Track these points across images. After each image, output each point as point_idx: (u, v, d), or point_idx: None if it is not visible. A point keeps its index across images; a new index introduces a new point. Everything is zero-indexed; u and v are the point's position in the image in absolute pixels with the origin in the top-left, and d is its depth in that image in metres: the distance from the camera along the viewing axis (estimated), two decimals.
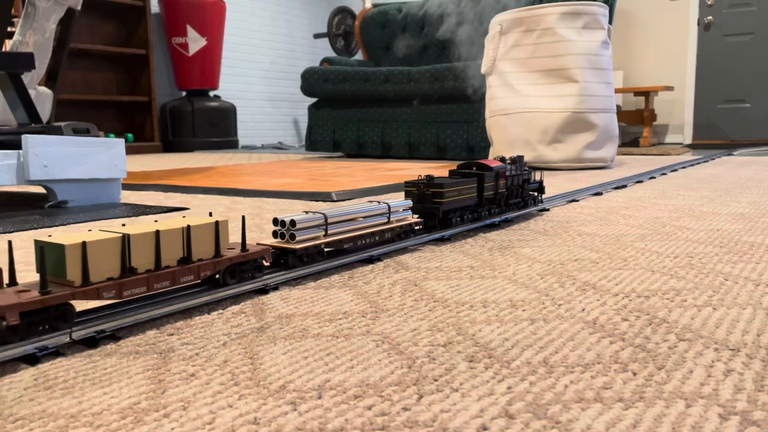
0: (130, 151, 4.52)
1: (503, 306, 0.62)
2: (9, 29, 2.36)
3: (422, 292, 0.68)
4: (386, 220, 0.89)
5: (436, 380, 0.44)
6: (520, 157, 1.20)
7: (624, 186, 1.77)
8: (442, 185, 0.96)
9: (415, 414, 0.39)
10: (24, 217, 1.28)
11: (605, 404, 0.40)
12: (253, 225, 1.14)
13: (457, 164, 2.79)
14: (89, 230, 0.57)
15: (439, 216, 0.98)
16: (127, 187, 1.89)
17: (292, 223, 0.74)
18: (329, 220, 0.79)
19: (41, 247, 0.51)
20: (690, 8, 5.14)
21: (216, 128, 4.97)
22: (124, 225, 0.62)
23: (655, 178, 2.04)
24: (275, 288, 0.69)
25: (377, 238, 0.87)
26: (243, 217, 0.69)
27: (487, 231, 1.07)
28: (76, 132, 1.48)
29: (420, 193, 0.98)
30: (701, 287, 0.68)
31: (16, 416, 0.39)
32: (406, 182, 1.00)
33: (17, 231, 1.12)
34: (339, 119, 3.59)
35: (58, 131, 1.45)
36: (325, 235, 0.79)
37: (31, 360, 0.48)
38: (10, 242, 0.54)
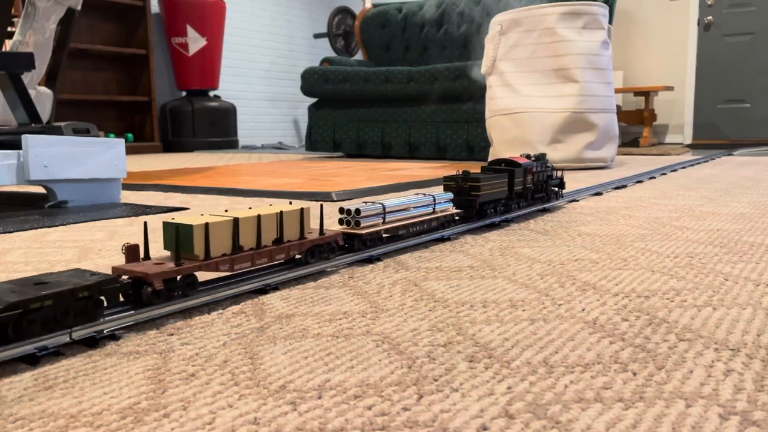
0: (130, 151, 4.52)
1: (503, 306, 0.62)
2: (9, 29, 2.36)
3: (422, 292, 0.68)
4: (432, 211, 0.98)
5: (436, 380, 0.44)
6: (543, 155, 1.28)
7: (624, 186, 1.77)
8: (479, 179, 1.05)
9: (415, 414, 0.39)
10: (24, 217, 1.28)
11: (605, 404, 0.40)
12: None
13: (456, 164, 2.80)
14: (201, 215, 0.66)
15: (476, 207, 1.06)
16: (127, 187, 1.89)
17: (357, 211, 0.83)
18: (387, 210, 0.88)
19: (175, 227, 0.61)
20: (690, 8, 5.14)
21: (216, 128, 4.97)
22: (226, 210, 0.71)
23: (655, 178, 2.04)
24: (275, 288, 0.69)
25: (425, 226, 0.96)
26: (321, 205, 0.78)
27: (487, 231, 1.07)
28: (76, 132, 1.48)
29: (458, 186, 1.07)
30: (701, 287, 0.68)
31: (16, 416, 0.39)
32: (444, 177, 1.08)
33: (17, 231, 1.12)
34: (339, 119, 3.59)
35: (58, 131, 1.45)
36: (384, 223, 0.88)
37: (31, 360, 0.48)
38: (145, 223, 0.62)
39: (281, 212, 0.71)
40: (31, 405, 0.41)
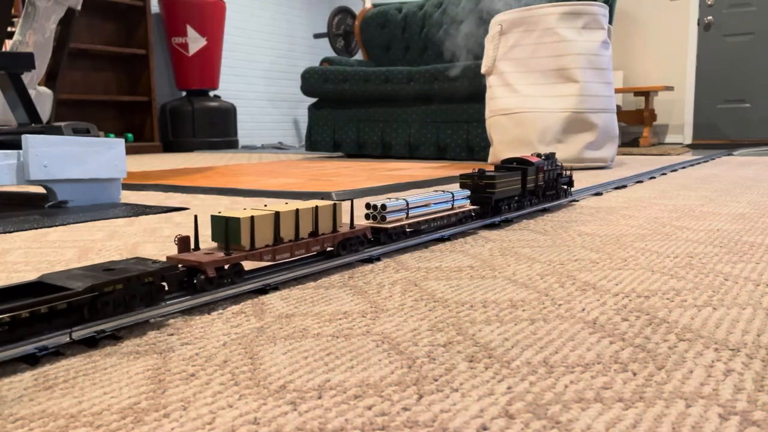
0: (130, 151, 4.52)
1: (503, 306, 0.62)
2: (9, 29, 2.36)
3: (422, 292, 0.68)
4: (450, 207, 1.03)
5: (436, 380, 0.44)
6: (552, 154, 1.32)
7: (624, 186, 1.77)
8: (494, 177, 1.09)
9: (415, 414, 0.39)
10: (24, 217, 1.28)
11: (605, 404, 0.40)
12: None
13: (456, 164, 2.79)
14: (244, 209, 0.72)
15: (491, 204, 1.11)
16: (127, 187, 1.89)
17: (383, 206, 0.88)
18: (410, 206, 0.93)
19: (225, 220, 0.66)
20: (690, 8, 5.14)
21: (216, 128, 4.97)
22: (266, 205, 0.75)
23: (655, 178, 2.04)
24: (275, 288, 0.69)
25: (445, 221, 1.00)
26: (351, 201, 0.81)
27: (487, 231, 1.07)
28: (76, 132, 1.48)
29: (474, 184, 1.11)
30: (701, 287, 0.68)
31: (16, 416, 0.39)
32: (461, 175, 1.13)
33: (17, 231, 1.12)
34: (339, 119, 3.59)
35: (58, 131, 1.45)
36: (407, 218, 0.92)
37: (31, 360, 0.48)
38: (195, 216, 0.67)
39: (317, 207, 0.76)
40: (31, 405, 0.41)
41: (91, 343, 0.52)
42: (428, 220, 0.96)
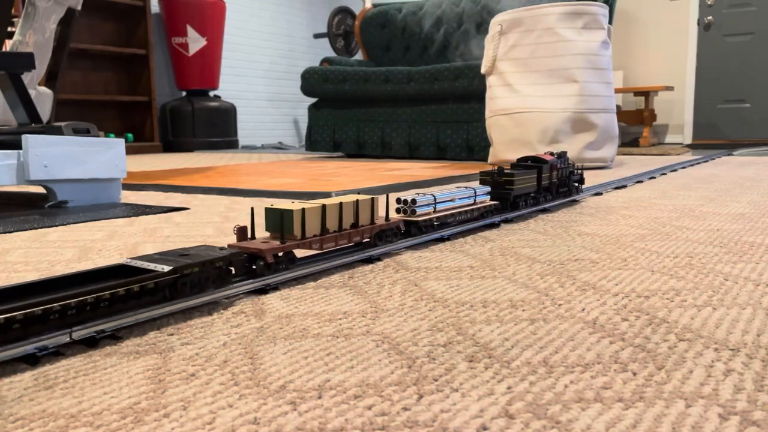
0: (130, 151, 4.52)
1: (503, 306, 0.62)
2: (9, 29, 2.36)
3: (422, 292, 0.68)
4: (473, 202, 1.08)
5: (436, 380, 0.44)
6: (564, 153, 1.37)
7: (624, 186, 1.77)
8: (513, 174, 1.15)
9: (415, 414, 0.39)
10: (24, 217, 1.28)
11: (605, 404, 0.40)
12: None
13: (456, 164, 2.79)
14: (292, 202, 0.79)
15: (510, 200, 1.17)
16: (127, 187, 1.89)
17: (413, 201, 0.94)
18: (437, 200, 0.98)
19: (280, 212, 0.73)
20: (690, 8, 5.14)
21: (216, 128, 4.97)
22: (293, 202, 0.80)
23: (655, 178, 2.04)
24: (275, 288, 0.69)
25: (468, 215, 1.06)
26: (387, 195, 0.90)
27: (487, 231, 1.07)
28: (76, 132, 1.48)
29: (494, 181, 1.17)
30: (701, 287, 0.68)
31: (16, 416, 0.39)
32: (481, 172, 1.19)
33: (17, 231, 1.12)
34: (339, 119, 3.59)
35: (58, 131, 1.45)
36: (435, 212, 0.98)
37: (31, 360, 0.48)
38: (252, 208, 0.73)
39: (357, 201, 0.83)
40: (31, 405, 0.41)
41: (91, 343, 0.52)
42: (454, 214, 1.02)
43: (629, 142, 5.08)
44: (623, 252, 0.88)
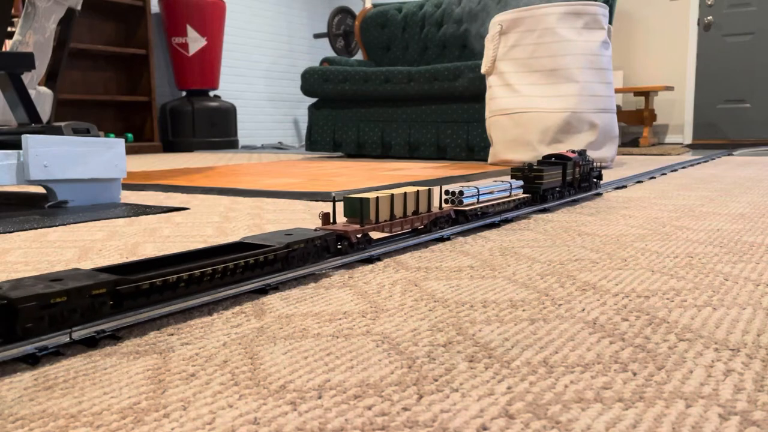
0: (130, 151, 4.52)
1: (503, 306, 0.62)
2: (9, 29, 2.36)
3: (422, 292, 0.68)
4: (509, 195, 1.19)
5: (436, 380, 0.44)
6: (584, 151, 1.48)
7: (624, 186, 1.77)
8: (542, 170, 1.27)
9: (415, 414, 0.39)
10: (24, 217, 1.28)
11: (605, 404, 0.40)
12: (254, 225, 1.14)
13: (456, 164, 2.79)
14: (365, 191, 0.90)
15: (540, 193, 1.28)
16: (127, 187, 1.89)
17: (461, 192, 1.05)
18: (480, 192, 1.10)
19: (359, 201, 0.84)
20: (690, 8, 5.14)
21: (216, 128, 4.97)
22: (379, 191, 0.90)
23: (655, 178, 2.04)
24: (275, 288, 0.69)
25: (505, 206, 1.18)
26: (441, 187, 1.05)
27: (487, 231, 1.07)
28: (76, 132, 1.48)
29: (525, 176, 1.29)
30: (701, 287, 0.68)
31: (16, 416, 0.39)
32: (512, 168, 1.29)
33: (17, 231, 1.12)
34: (339, 119, 3.59)
35: (58, 131, 1.45)
36: (478, 202, 1.09)
37: (31, 360, 0.48)
38: (334, 198, 0.83)
39: (418, 191, 0.93)
40: (31, 405, 0.41)
41: (91, 343, 0.52)
42: (493, 205, 1.13)
43: (629, 142, 5.08)
44: (623, 252, 0.88)
